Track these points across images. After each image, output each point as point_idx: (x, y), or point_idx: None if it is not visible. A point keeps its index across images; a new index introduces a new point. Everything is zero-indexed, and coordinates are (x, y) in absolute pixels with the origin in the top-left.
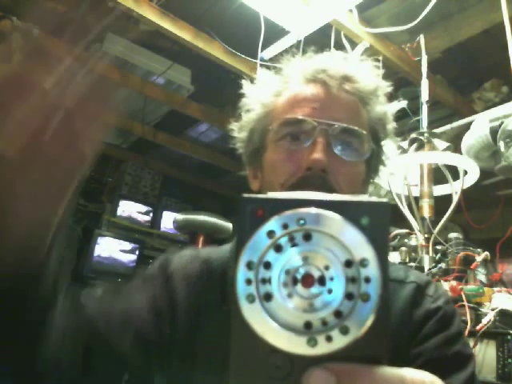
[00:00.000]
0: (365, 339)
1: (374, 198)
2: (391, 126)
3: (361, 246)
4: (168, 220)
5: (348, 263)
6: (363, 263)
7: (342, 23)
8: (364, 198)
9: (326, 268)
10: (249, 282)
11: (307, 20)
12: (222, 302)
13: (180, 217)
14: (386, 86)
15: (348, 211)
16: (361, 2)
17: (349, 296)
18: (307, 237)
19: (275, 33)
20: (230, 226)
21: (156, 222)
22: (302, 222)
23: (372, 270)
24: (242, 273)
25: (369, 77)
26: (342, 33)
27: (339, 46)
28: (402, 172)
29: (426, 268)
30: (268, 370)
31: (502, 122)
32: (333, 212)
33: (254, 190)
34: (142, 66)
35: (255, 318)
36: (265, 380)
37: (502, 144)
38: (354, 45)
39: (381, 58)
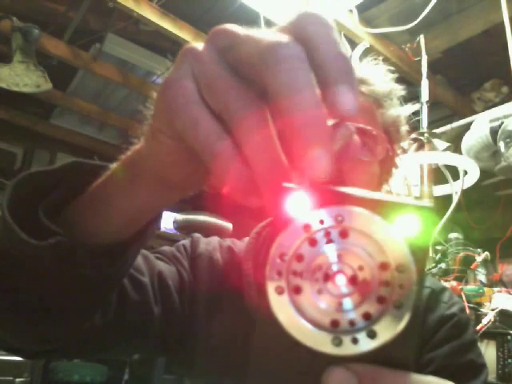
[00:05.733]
0: (392, 346)
1: (419, 201)
2: (404, 128)
3: (399, 251)
4: (168, 220)
5: (383, 266)
6: (399, 268)
7: (342, 23)
8: (408, 199)
9: (360, 268)
10: (279, 273)
11: None
12: (239, 294)
13: (180, 217)
14: (400, 90)
15: (389, 212)
16: (361, 1)
17: (380, 300)
18: (344, 234)
19: None
20: (230, 225)
21: None
22: (339, 218)
23: (408, 276)
24: (273, 263)
25: (383, 80)
26: (342, 33)
27: None
28: (401, 172)
29: (426, 268)
30: (289, 362)
31: (502, 122)
32: (373, 211)
33: None
34: (142, 66)
35: (282, 310)
36: (284, 371)
37: (502, 144)
38: (354, 45)
39: (381, 58)
